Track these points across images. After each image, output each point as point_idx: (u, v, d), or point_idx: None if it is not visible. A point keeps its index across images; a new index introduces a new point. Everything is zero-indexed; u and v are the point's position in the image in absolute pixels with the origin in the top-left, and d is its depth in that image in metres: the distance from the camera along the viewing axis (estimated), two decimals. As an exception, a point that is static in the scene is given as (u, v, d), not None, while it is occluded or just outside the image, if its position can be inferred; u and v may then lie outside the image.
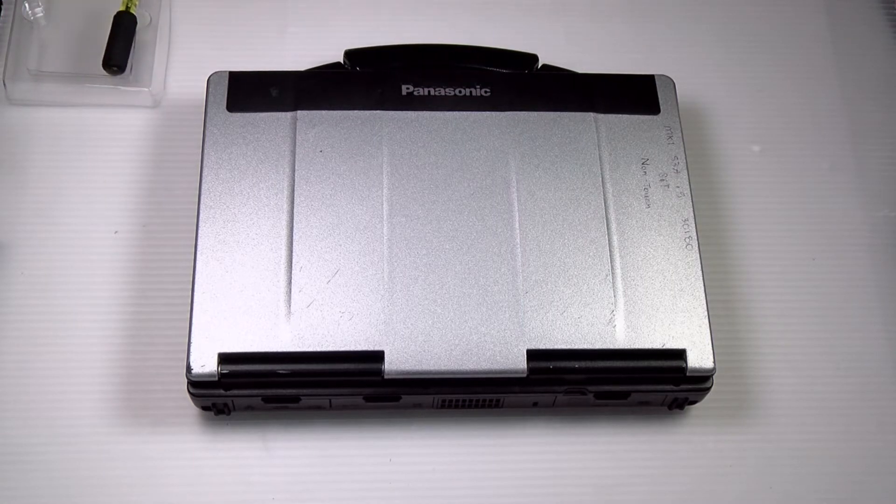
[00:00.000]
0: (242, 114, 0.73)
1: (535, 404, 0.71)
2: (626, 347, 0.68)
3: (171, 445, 0.70)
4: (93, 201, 0.77)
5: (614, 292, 0.69)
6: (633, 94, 0.76)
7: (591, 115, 0.75)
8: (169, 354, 0.71)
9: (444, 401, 0.70)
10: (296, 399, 0.69)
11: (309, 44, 0.84)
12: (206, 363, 0.66)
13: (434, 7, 0.87)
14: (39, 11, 0.81)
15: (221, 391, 0.67)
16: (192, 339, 0.66)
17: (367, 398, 0.69)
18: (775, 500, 0.71)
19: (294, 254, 0.69)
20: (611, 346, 0.68)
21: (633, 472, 0.71)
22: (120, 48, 0.79)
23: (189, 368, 0.66)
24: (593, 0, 0.88)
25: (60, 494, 0.68)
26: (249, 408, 0.70)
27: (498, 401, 0.70)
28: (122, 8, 0.81)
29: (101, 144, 0.79)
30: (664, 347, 0.68)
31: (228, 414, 0.70)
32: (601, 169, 0.73)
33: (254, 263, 0.68)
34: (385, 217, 0.70)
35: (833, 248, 0.79)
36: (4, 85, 0.79)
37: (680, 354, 0.68)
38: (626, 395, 0.70)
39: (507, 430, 0.72)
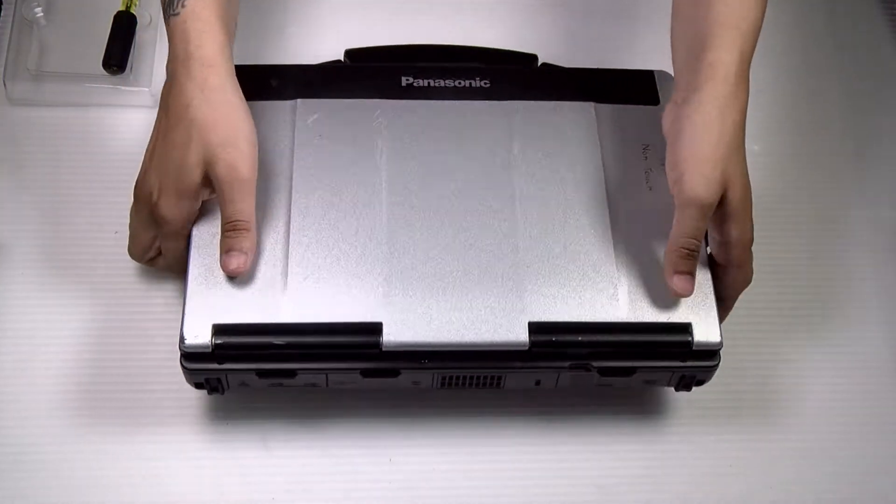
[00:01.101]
0: None
1: (537, 383, 0.69)
2: (630, 320, 0.66)
3: (171, 445, 0.70)
4: (93, 201, 0.77)
5: (617, 265, 0.68)
6: (633, 87, 0.75)
7: (591, 104, 0.74)
8: (169, 354, 0.70)
9: (443, 378, 0.68)
10: (291, 374, 0.67)
11: (309, 44, 0.84)
12: (199, 334, 0.64)
13: (434, 7, 0.87)
14: (39, 11, 0.81)
15: (215, 364, 0.65)
16: (187, 310, 0.65)
17: (365, 373, 0.67)
18: (775, 500, 0.71)
19: (292, 225, 0.68)
20: (615, 320, 0.66)
21: (633, 472, 0.71)
22: (120, 48, 0.79)
23: (182, 339, 0.64)
24: (593, 0, 0.88)
25: (60, 494, 0.68)
26: (244, 384, 0.68)
27: (499, 379, 0.68)
28: (122, 8, 0.81)
29: (101, 144, 0.79)
30: (669, 321, 0.67)
31: (222, 393, 0.68)
32: (602, 152, 0.72)
33: None
34: (384, 185, 0.69)
35: (833, 248, 0.79)
36: (4, 85, 0.79)
37: (686, 328, 0.66)
38: (631, 371, 0.68)
39: (508, 430, 0.71)
